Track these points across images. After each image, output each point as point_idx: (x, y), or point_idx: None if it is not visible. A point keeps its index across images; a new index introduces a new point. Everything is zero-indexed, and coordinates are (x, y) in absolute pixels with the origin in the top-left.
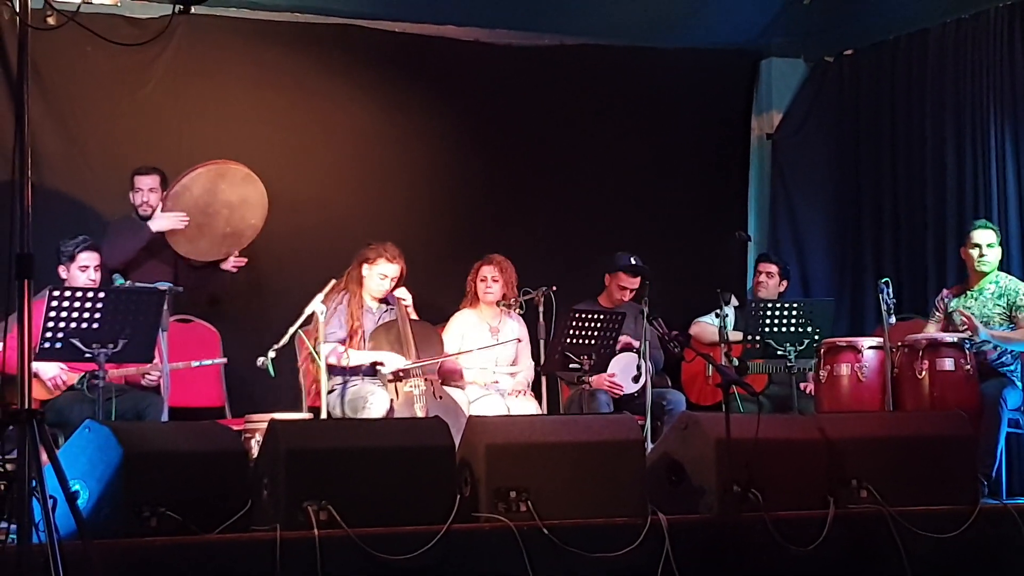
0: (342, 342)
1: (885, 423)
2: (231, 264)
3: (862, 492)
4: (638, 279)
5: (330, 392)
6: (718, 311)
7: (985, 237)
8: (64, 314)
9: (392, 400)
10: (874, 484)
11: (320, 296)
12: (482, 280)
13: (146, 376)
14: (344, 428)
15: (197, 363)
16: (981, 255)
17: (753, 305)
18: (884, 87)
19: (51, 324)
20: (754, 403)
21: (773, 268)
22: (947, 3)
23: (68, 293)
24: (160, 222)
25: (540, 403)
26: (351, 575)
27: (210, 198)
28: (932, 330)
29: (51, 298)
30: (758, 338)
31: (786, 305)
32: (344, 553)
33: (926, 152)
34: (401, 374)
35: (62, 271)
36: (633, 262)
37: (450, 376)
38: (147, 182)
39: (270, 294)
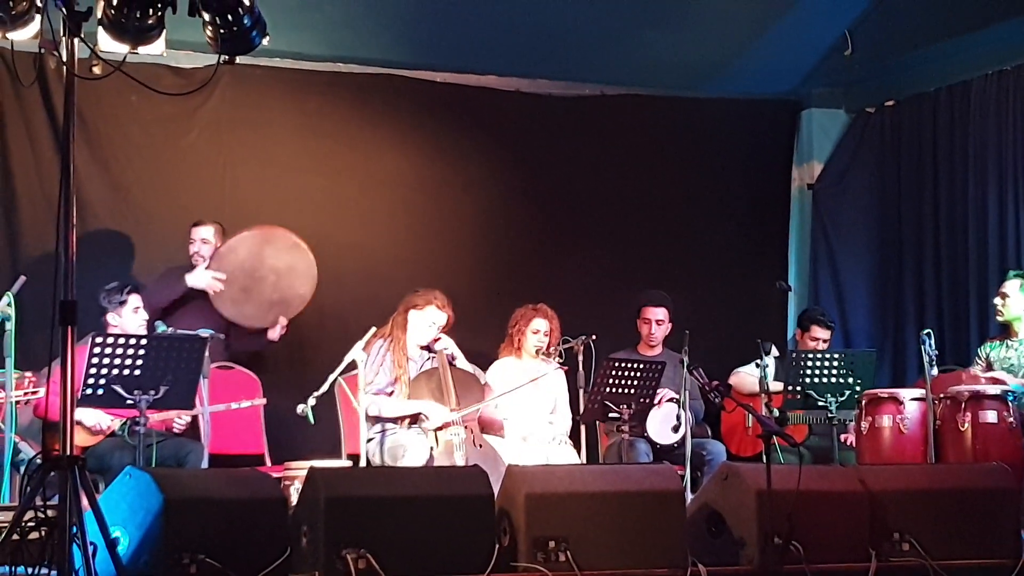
0: (387, 393)
1: (927, 475)
2: (277, 333)
3: (904, 545)
4: (662, 309)
5: (369, 440)
6: (758, 361)
7: (1010, 287)
8: (107, 360)
9: (432, 448)
10: (916, 537)
11: (360, 344)
12: (534, 332)
13: (175, 421)
14: (383, 476)
15: (237, 404)
16: (1003, 303)
17: (794, 355)
18: (926, 138)
19: (94, 370)
20: (795, 454)
21: (828, 334)
22: (989, 55)
23: (111, 340)
24: (196, 278)
25: (579, 452)
26: None
27: (256, 262)
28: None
29: (94, 344)
30: (799, 388)
31: (827, 356)
32: None
33: (968, 203)
34: (446, 425)
35: (111, 318)
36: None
37: (489, 427)
38: (201, 232)
39: (310, 342)
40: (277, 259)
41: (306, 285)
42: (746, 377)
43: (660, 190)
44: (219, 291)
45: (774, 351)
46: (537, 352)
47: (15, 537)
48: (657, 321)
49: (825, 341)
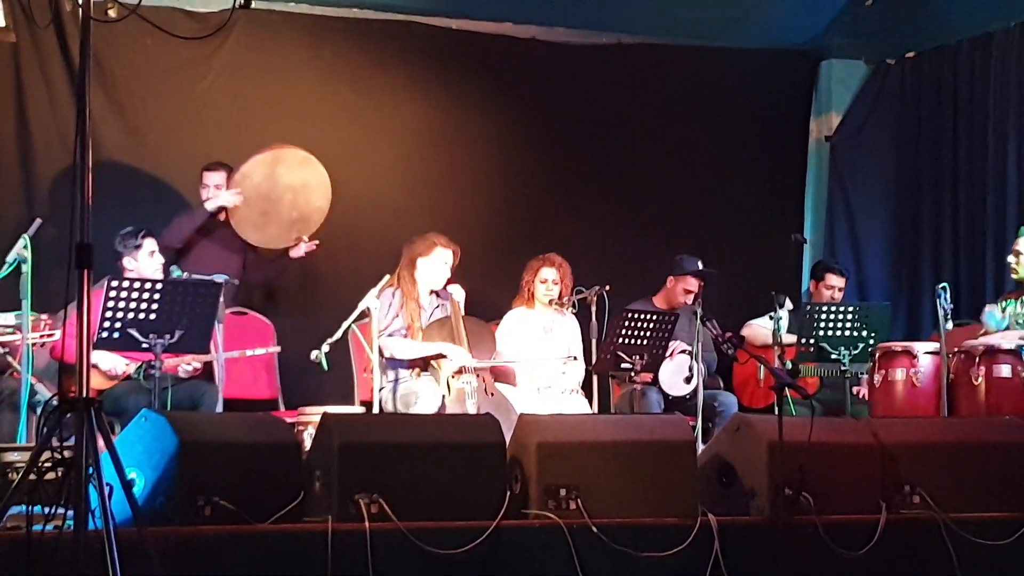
0: (403, 335)
1: (940, 429)
2: (303, 250)
3: (915, 498)
4: (700, 283)
5: (382, 388)
6: (772, 313)
7: None
8: (122, 304)
9: (444, 396)
10: (927, 490)
11: (374, 291)
12: (542, 282)
13: (181, 367)
14: (396, 423)
15: (251, 352)
16: (1017, 261)
17: (808, 308)
18: (946, 91)
19: (109, 314)
20: (806, 406)
21: (843, 282)
22: (1012, 7)
23: (126, 284)
24: (214, 202)
25: (591, 402)
26: (401, 567)
27: (271, 184)
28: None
29: (109, 288)
30: (812, 341)
31: (841, 309)
32: (394, 546)
33: (987, 157)
34: (466, 368)
35: (127, 262)
36: (700, 266)
37: (502, 375)
38: (214, 178)
39: (325, 288)
40: (291, 177)
41: (322, 198)
42: (759, 329)
43: (676, 141)
44: (241, 211)
45: (788, 304)
46: (550, 302)
47: (32, 477)
48: (695, 293)
49: (840, 289)
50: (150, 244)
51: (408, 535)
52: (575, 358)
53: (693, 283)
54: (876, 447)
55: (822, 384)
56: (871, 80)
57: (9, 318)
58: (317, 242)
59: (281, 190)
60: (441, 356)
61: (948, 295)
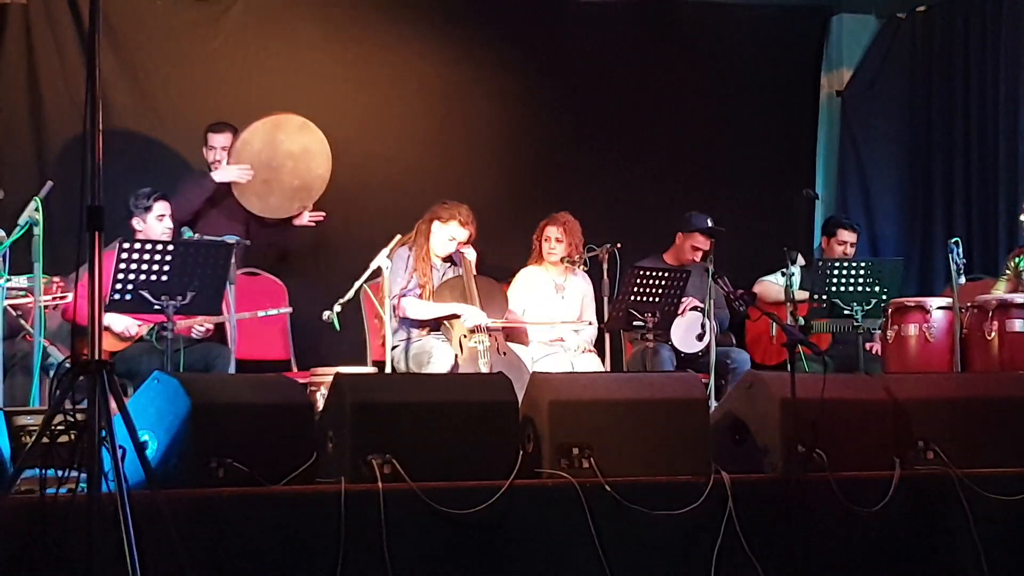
0: (416, 296)
1: (953, 384)
2: (307, 219)
3: (929, 453)
4: (711, 241)
5: (394, 347)
6: (784, 270)
7: None
8: (134, 266)
9: (456, 355)
10: (941, 445)
11: (385, 251)
12: (546, 239)
13: (194, 329)
14: (408, 382)
15: (263, 312)
16: None
17: (820, 264)
18: (957, 45)
19: (121, 276)
20: (819, 362)
21: (854, 237)
22: None
23: (138, 245)
24: (223, 173)
25: (603, 360)
26: (414, 528)
27: (272, 151)
28: (1002, 290)
29: (121, 250)
30: (824, 297)
31: (854, 264)
32: (407, 506)
33: (999, 111)
34: (479, 328)
35: (136, 223)
36: (710, 224)
37: (514, 333)
38: (219, 140)
39: (336, 249)
40: (291, 143)
41: (323, 165)
42: (771, 286)
43: (687, 97)
44: (247, 182)
45: (800, 260)
46: (561, 260)
47: (45, 440)
48: (704, 251)
49: (852, 245)
50: (160, 207)
51: (421, 495)
52: (589, 323)
53: (702, 240)
54: (889, 403)
55: (835, 340)
56: (882, 34)
57: (21, 281)
58: (323, 214)
59: (282, 157)
60: (455, 316)
61: (961, 250)
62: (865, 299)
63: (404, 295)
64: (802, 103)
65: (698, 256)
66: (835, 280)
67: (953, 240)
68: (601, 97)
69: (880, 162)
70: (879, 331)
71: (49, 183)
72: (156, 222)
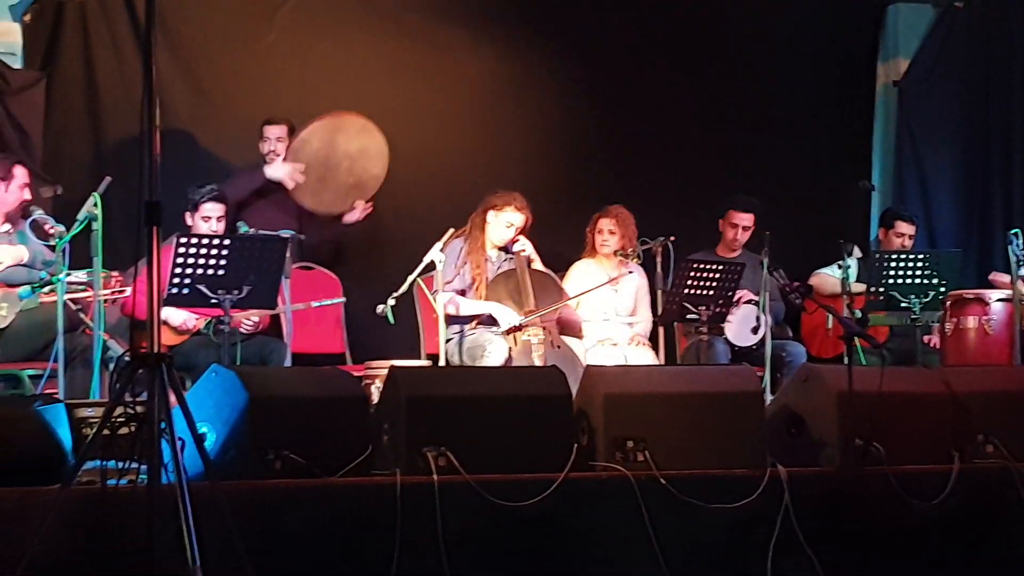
0: (460, 292)
1: (1013, 377)
2: (358, 214)
3: (988, 447)
4: (750, 215)
5: (448, 340)
6: (840, 262)
7: None
8: (191, 260)
9: (510, 349)
10: (1001, 439)
11: (439, 245)
12: (599, 232)
13: (243, 322)
14: (463, 376)
15: (318, 303)
16: None
17: (877, 256)
18: (1015, 33)
19: (178, 270)
20: (877, 355)
21: (913, 229)
22: None
23: (195, 240)
24: (275, 170)
25: (657, 353)
26: (469, 520)
27: (329, 151)
28: None
29: (178, 245)
30: (882, 290)
31: (911, 256)
32: (462, 498)
33: None
34: (514, 329)
35: (188, 218)
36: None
37: (568, 327)
38: (275, 131)
39: (389, 243)
40: (349, 144)
41: (379, 165)
42: (827, 278)
43: (741, 88)
44: (299, 183)
45: (856, 252)
46: (615, 253)
47: (106, 432)
48: (744, 227)
49: (911, 237)
50: (209, 208)
51: (476, 488)
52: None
53: (740, 216)
54: (948, 396)
55: (892, 333)
56: (939, 24)
57: (81, 275)
58: (371, 205)
59: (339, 157)
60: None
61: (1020, 241)
62: (923, 291)
63: (445, 291)
64: (858, 93)
65: (740, 235)
66: (892, 272)
67: (1012, 231)
68: (653, 88)
69: (937, 152)
70: (937, 324)
71: (107, 178)
72: (201, 222)
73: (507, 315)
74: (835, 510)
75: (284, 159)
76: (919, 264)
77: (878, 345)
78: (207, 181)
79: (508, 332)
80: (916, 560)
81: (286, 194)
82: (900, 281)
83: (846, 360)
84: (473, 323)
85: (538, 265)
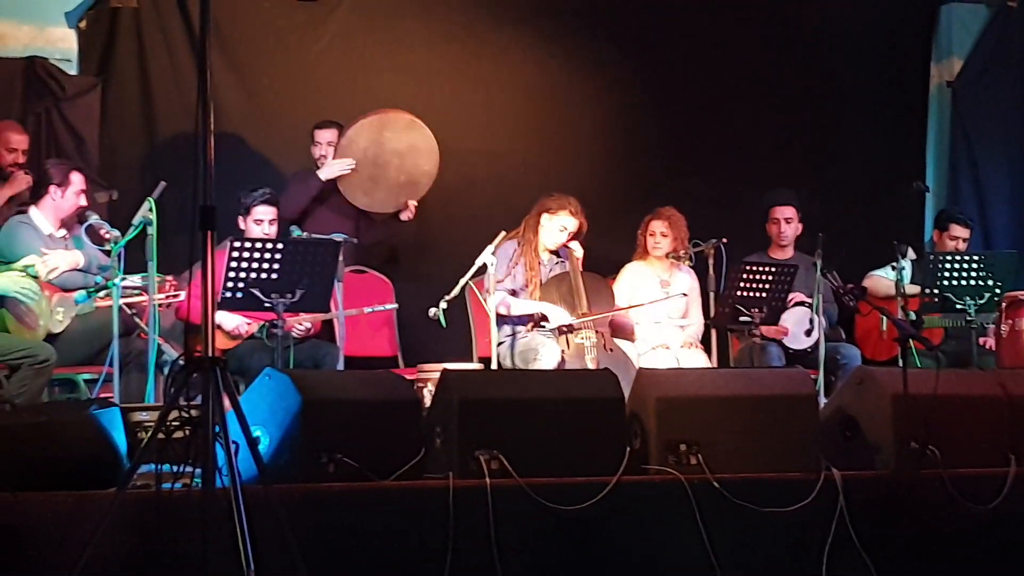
0: (512, 294)
1: None
2: (413, 211)
3: None
4: (789, 208)
5: (500, 344)
6: (894, 264)
7: None
8: (244, 264)
9: (563, 352)
10: None
11: (491, 248)
12: (651, 234)
13: (295, 327)
14: (515, 379)
15: (370, 309)
16: None
17: (932, 257)
18: None
19: (232, 274)
20: (932, 358)
21: (967, 233)
22: None
23: (248, 244)
24: (327, 170)
25: (710, 356)
26: (521, 523)
27: (378, 148)
28: None
29: (232, 249)
30: (936, 291)
31: (966, 258)
32: (515, 502)
33: None
34: (565, 328)
35: (241, 222)
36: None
37: (621, 330)
38: (326, 136)
39: (442, 246)
40: (398, 141)
41: (430, 162)
42: (881, 280)
43: (794, 89)
44: (350, 176)
45: (911, 254)
46: (667, 256)
47: (160, 436)
48: (786, 219)
49: (965, 240)
50: (261, 211)
51: (528, 491)
52: (685, 294)
53: (780, 211)
54: (1004, 399)
55: (947, 335)
56: (992, 23)
57: (136, 280)
58: (415, 203)
59: (388, 155)
60: (543, 317)
61: None
62: (978, 293)
63: (497, 292)
64: (912, 94)
65: (786, 231)
66: (947, 273)
67: None
68: (706, 91)
69: (992, 153)
70: (993, 325)
71: (162, 183)
72: (254, 225)
73: (559, 314)
74: (890, 514)
75: (334, 156)
76: (974, 265)
77: (933, 347)
78: (259, 185)
79: (560, 331)
80: (972, 564)
81: (342, 197)
82: (955, 283)
83: (901, 362)
84: (529, 326)
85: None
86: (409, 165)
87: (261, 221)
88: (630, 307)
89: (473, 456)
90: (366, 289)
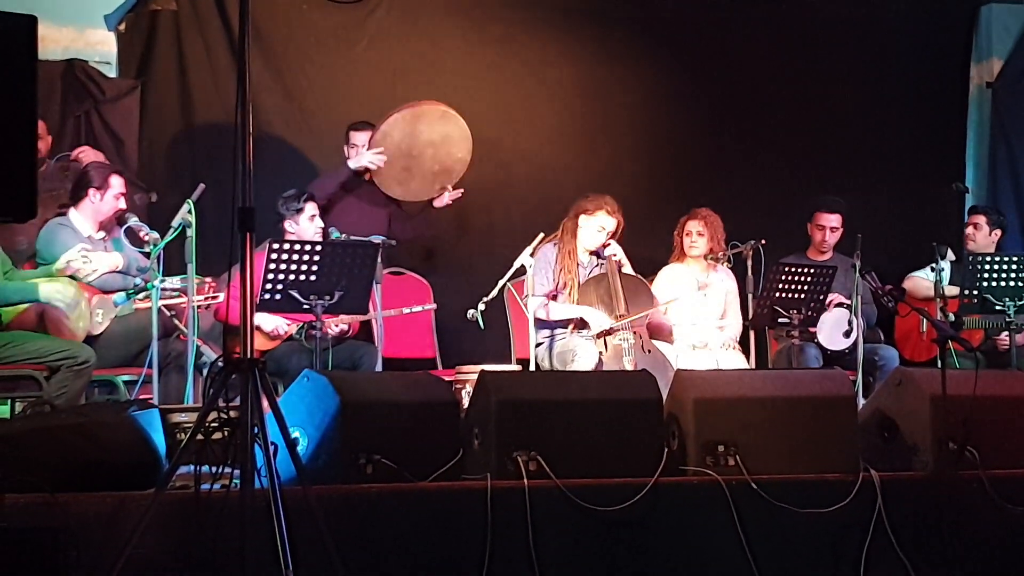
0: (550, 296)
1: None
2: (448, 199)
3: None
4: (836, 216)
5: (538, 345)
6: (933, 265)
7: None
8: (283, 266)
9: (601, 353)
10: None
11: (529, 249)
12: (687, 235)
13: (329, 327)
14: (553, 380)
15: (408, 309)
16: None
17: (971, 259)
18: None
19: (271, 276)
20: (971, 359)
21: (980, 219)
22: None
23: (287, 246)
24: (357, 160)
25: (748, 358)
26: (559, 524)
27: (412, 141)
28: None
29: (271, 251)
30: (975, 293)
31: (1005, 258)
32: (553, 503)
33: None
34: (604, 331)
35: (288, 225)
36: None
37: (658, 332)
38: (361, 138)
39: (479, 247)
40: (431, 132)
41: (463, 149)
42: (920, 281)
43: (832, 89)
44: (384, 168)
45: (950, 255)
46: (705, 257)
47: (199, 437)
48: (831, 228)
49: (977, 227)
50: (311, 208)
51: (566, 492)
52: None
53: (826, 219)
54: None
55: (987, 336)
56: None
57: (175, 282)
58: (461, 190)
59: (422, 145)
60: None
61: None
62: (1018, 294)
63: (535, 296)
64: (951, 95)
65: (831, 238)
66: (987, 275)
67: None
68: (743, 91)
69: None
70: None
71: (201, 185)
72: (308, 222)
73: (599, 319)
74: (929, 515)
75: (367, 147)
76: (1014, 267)
77: (972, 348)
78: (296, 186)
79: (599, 336)
80: (1011, 566)
81: (374, 188)
82: (994, 284)
83: (940, 363)
84: (570, 327)
85: (628, 270)
86: (443, 154)
87: (314, 216)
88: (666, 303)
89: (511, 457)
90: (404, 290)
